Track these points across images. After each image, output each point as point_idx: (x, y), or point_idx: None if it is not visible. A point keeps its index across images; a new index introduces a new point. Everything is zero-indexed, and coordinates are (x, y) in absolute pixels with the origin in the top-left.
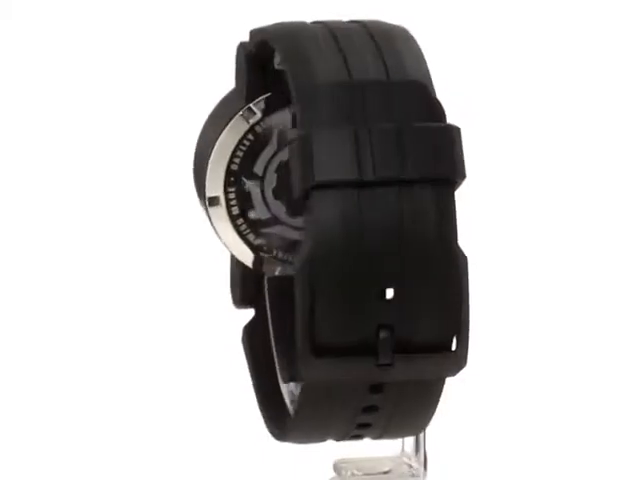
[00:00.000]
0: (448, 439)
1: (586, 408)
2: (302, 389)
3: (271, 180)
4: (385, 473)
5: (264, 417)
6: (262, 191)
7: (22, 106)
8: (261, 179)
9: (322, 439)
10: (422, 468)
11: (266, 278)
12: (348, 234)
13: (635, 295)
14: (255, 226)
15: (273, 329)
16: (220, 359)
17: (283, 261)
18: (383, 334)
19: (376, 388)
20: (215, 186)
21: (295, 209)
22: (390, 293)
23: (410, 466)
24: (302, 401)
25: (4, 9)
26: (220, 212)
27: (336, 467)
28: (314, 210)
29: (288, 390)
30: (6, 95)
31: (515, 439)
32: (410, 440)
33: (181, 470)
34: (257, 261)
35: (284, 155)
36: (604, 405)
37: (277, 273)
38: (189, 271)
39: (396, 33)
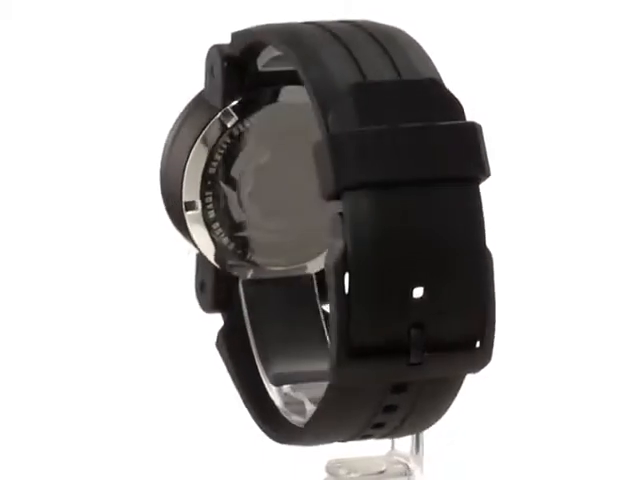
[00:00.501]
0: (443, 438)
1: (585, 408)
2: (328, 391)
3: (247, 183)
4: (380, 473)
5: (258, 421)
6: (238, 195)
7: (21, 105)
8: (237, 183)
9: (334, 440)
10: (419, 467)
11: (241, 281)
12: (382, 234)
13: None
14: (230, 230)
15: (253, 332)
16: (206, 360)
17: (255, 264)
18: (415, 333)
19: (399, 388)
20: (192, 191)
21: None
22: (420, 291)
23: (405, 465)
24: (325, 404)
25: (4, 9)
26: (196, 216)
27: (329, 468)
28: (347, 210)
29: (281, 392)
30: (6, 95)
31: (510, 438)
32: (407, 440)
33: (172, 470)
34: (229, 265)
35: (261, 158)
36: (603, 405)
37: (250, 276)
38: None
39: (395, 33)
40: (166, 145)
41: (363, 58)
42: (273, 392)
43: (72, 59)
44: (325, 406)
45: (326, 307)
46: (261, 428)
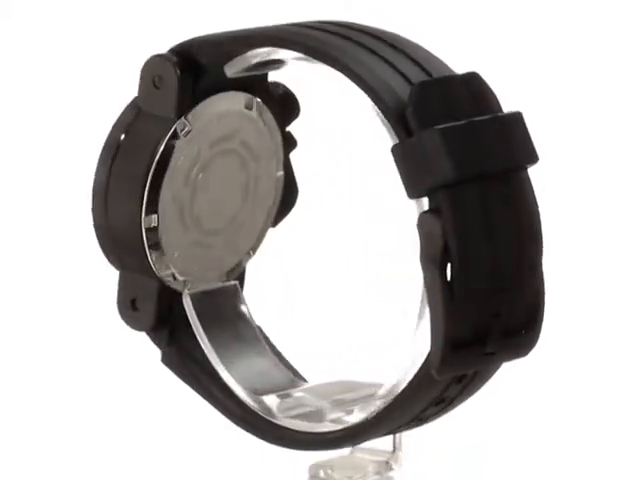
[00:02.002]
0: (421, 437)
1: (567, 406)
2: (408, 387)
3: (194, 197)
4: (362, 473)
5: (247, 427)
6: (181, 210)
7: (21, 105)
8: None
9: (388, 433)
10: (398, 465)
11: (189, 295)
12: (481, 226)
13: None
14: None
15: (211, 342)
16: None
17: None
18: (497, 323)
19: (460, 379)
20: (152, 207)
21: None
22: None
23: (387, 464)
24: (401, 400)
25: (4, 9)
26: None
27: (311, 469)
28: (446, 206)
29: (275, 396)
30: (6, 94)
31: (487, 436)
32: (388, 439)
33: (156, 472)
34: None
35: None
36: (596, 405)
37: (188, 290)
38: None
39: (397, 36)
40: (113, 163)
41: (396, 62)
42: (261, 399)
43: (72, 59)
44: (400, 402)
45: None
46: (260, 436)
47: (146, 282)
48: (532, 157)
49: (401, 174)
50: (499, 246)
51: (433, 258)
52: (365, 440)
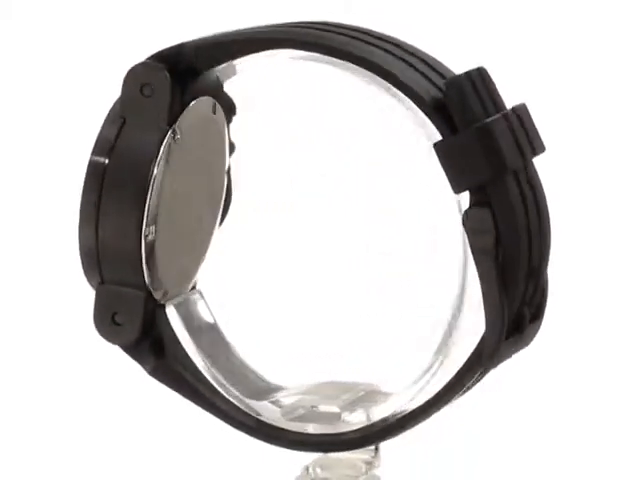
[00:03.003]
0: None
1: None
2: (455, 380)
3: (176, 204)
4: (350, 473)
5: (258, 436)
6: (169, 218)
7: (22, 104)
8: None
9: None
10: (381, 463)
11: (172, 305)
12: (522, 215)
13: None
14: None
15: (201, 352)
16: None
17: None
18: (527, 311)
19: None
20: (150, 218)
21: None
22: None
23: (371, 463)
24: (454, 385)
25: (4, 9)
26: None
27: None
28: (500, 194)
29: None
30: (6, 94)
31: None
32: None
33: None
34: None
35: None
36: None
37: (168, 301)
38: None
39: (396, 38)
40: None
41: (411, 61)
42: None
43: (72, 59)
44: (454, 385)
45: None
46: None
47: (132, 294)
48: (543, 146)
49: (447, 170)
50: (532, 236)
51: (486, 250)
52: (388, 438)
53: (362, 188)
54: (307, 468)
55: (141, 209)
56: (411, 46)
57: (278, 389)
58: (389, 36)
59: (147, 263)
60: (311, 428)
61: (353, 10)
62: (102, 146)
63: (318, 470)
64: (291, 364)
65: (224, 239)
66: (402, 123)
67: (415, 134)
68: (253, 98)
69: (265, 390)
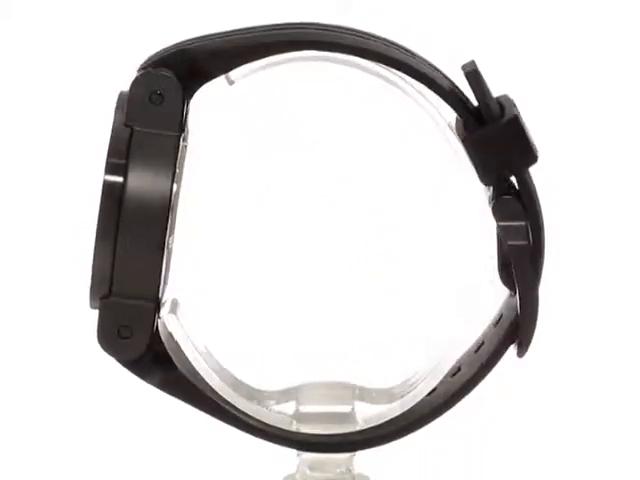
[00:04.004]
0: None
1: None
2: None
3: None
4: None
5: (270, 439)
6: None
7: (22, 104)
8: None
9: None
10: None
11: (173, 315)
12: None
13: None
14: None
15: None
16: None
17: None
18: None
19: None
20: (172, 228)
21: None
22: None
23: (351, 459)
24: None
25: (4, 9)
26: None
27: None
28: (526, 184)
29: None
30: (6, 94)
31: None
32: None
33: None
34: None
35: None
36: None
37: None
38: None
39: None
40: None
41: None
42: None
43: (73, 59)
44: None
45: None
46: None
47: (142, 306)
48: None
49: (477, 162)
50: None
51: (519, 238)
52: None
53: (358, 188)
54: (296, 468)
55: (165, 221)
56: (407, 47)
57: (280, 391)
58: (386, 38)
59: (165, 273)
60: (321, 429)
61: (353, 10)
62: (115, 164)
63: (307, 470)
64: (293, 364)
65: (217, 240)
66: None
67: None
68: (265, 99)
69: (269, 394)
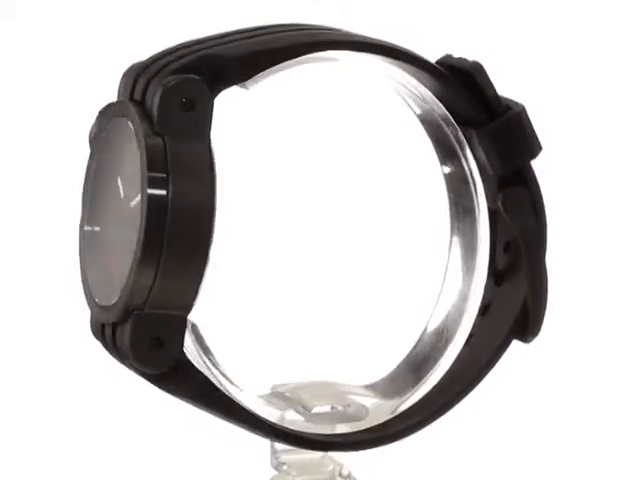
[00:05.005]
0: None
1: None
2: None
3: None
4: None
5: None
6: None
7: (24, 104)
8: None
9: None
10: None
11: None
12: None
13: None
14: None
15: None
16: None
17: None
18: None
19: None
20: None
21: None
22: None
23: (343, 464)
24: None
25: (6, 9)
26: None
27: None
28: (531, 175)
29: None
30: (8, 94)
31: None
32: None
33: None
34: None
35: None
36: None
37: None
38: None
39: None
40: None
41: None
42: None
43: (75, 58)
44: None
45: None
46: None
47: (174, 315)
48: None
49: (490, 154)
50: None
51: (528, 226)
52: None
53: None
54: (282, 469)
55: (211, 231)
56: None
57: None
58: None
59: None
60: (338, 429)
61: (353, 10)
62: (156, 177)
63: (293, 472)
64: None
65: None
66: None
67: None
68: (281, 103)
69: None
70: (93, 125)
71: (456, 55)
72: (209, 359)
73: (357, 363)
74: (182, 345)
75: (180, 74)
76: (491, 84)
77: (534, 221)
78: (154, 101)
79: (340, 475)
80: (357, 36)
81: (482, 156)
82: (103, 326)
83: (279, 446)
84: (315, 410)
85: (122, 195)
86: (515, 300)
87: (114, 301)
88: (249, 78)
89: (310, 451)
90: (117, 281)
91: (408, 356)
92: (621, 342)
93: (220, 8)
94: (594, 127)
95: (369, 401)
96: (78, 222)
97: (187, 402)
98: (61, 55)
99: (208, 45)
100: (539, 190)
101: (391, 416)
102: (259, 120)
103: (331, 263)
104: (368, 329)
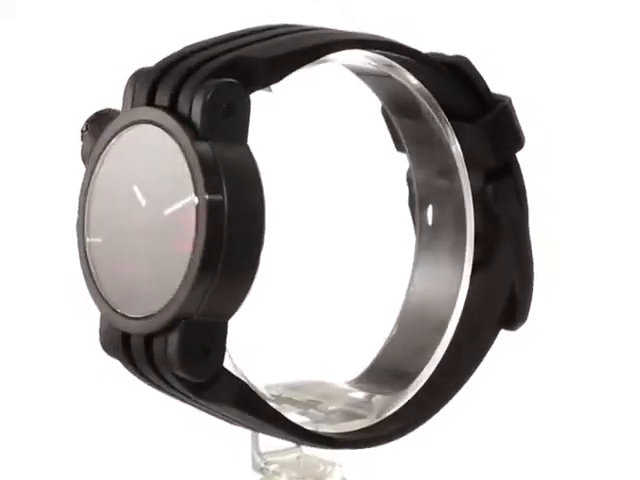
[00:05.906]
0: None
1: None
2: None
3: None
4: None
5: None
6: None
7: (24, 104)
8: None
9: None
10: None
11: None
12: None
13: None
14: None
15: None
16: None
17: None
18: None
19: None
20: None
21: None
22: None
23: (334, 464)
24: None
25: (6, 9)
26: None
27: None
28: (517, 167)
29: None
30: (9, 94)
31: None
32: None
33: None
34: None
35: None
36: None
37: None
38: None
39: None
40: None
41: None
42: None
43: (76, 58)
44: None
45: None
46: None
47: (218, 322)
48: None
49: (484, 146)
50: None
51: (517, 215)
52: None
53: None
54: (271, 470)
55: (263, 236)
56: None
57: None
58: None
59: None
60: (339, 428)
61: (353, 10)
62: (212, 182)
63: (283, 473)
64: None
65: None
66: None
67: None
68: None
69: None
70: (84, 144)
71: (459, 51)
72: (233, 363)
73: (346, 361)
74: (225, 351)
75: (214, 78)
76: (481, 77)
77: (520, 210)
78: (193, 106)
79: (331, 476)
80: (361, 34)
81: (475, 148)
82: (128, 337)
83: (265, 448)
84: (324, 410)
85: (143, 204)
86: (501, 289)
87: (155, 311)
88: (278, 81)
89: (296, 452)
90: (148, 291)
91: (399, 353)
92: (610, 329)
93: (220, 8)
94: (573, 116)
95: (362, 400)
96: (74, 231)
97: (227, 411)
98: (61, 55)
99: (230, 47)
100: (523, 180)
101: (386, 415)
102: (279, 122)
103: (329, 263)
104: (359, 327)
